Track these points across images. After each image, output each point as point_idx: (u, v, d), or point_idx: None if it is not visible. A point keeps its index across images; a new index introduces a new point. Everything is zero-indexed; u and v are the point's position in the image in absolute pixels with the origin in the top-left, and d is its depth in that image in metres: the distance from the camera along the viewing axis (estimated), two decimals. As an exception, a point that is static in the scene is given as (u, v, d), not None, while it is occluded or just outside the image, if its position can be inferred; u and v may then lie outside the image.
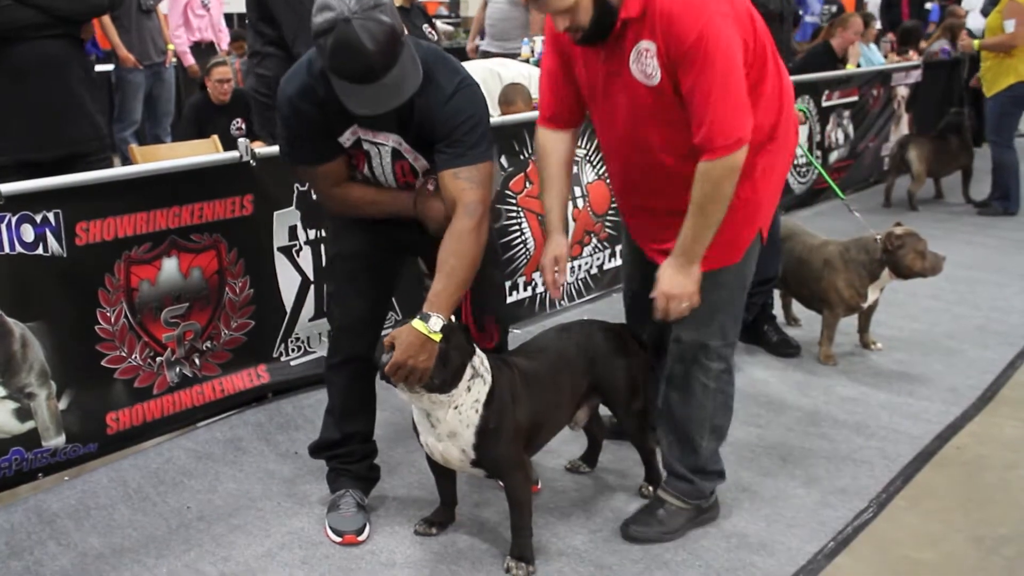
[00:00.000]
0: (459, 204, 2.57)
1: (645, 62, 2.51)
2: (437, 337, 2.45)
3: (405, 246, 2.93)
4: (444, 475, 2.92)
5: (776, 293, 4.59)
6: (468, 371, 2.60)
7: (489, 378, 2.65)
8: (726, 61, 2.39)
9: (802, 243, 4.40)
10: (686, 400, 2.87)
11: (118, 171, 3.26)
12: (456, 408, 2.60)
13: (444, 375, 2.52)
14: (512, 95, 5.56)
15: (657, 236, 2.79)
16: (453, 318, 2.56)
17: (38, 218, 2.99)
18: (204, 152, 4.91)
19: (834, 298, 4.25)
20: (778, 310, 4.69)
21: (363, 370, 2.95)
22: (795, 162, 6.84)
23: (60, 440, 3.16)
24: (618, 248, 5.18)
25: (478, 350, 2.67)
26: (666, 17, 2.41)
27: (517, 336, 4.44)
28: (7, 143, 3.51)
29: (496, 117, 4.89)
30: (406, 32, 2.50)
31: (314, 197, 3.27)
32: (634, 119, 2.64)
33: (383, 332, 2.78)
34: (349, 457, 3.03)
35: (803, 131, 6.85)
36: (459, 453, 2.66)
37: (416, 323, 2.46)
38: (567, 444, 3.40)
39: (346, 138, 2.67)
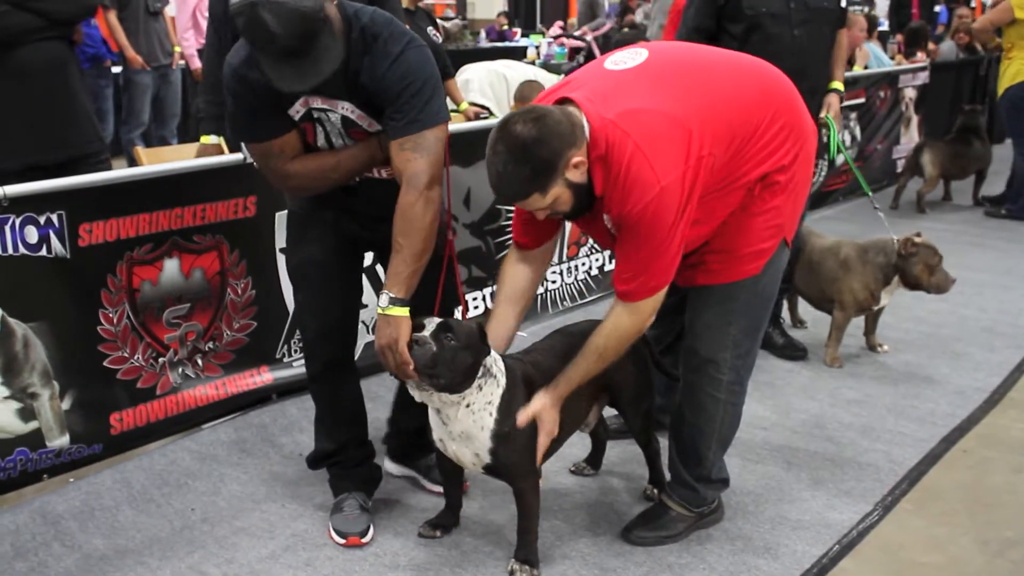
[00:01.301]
0: (404, 176, 2.55)
1: (607, 223, 2.57)
2: (394, 311, 2.49)
3: (366, 246, 2.94)
4: (452, 477, 2.90)
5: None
6: (479, 370, 2.58)
7: (503, 380, 2.62)
8: (661, 226, 2.42)
9: (812, 244, 4.39)
10: (695, 411, 2.86)
11: (121, 173, 3.25)
12: (468, 407, 2.58)
13: (451, 375, 2.50)
14: (528, 92, 5.52)
15: None
16: (462, 316, 2.56)
17: (41, 219, 2.99)
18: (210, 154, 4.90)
19: (848, 299, 4.24)
20: (784, 314, 4.68)
21: (345, 375, 2.97)
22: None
23: (64, 440, 3.16)
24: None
25: (492, 351, 2.65)
26: (618, 191, 2.43)
27: (520, 338, 4.44)
28: (13, 146, 3.51)
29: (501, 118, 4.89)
30: (327, 7, 2.45)
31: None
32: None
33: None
34: (348, 462, 3.02)
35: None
36: (472, 456, 2.64)
37: (377, 308, 2.52)
38: (570, 447, 3.37)
39: (296, 110, 2.63)
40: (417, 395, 2.59)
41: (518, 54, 9.47)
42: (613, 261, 2.93)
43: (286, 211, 2.97)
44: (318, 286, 2.88)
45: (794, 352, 4.43)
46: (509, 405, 2.61)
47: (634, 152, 2.37)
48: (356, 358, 3.07)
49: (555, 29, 14.00)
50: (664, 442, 3.08)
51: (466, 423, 2.59)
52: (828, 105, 4.40)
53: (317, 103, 2.63)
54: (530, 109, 2.46)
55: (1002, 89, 7.09)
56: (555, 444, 2.80)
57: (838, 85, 4.51)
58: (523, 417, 2.61)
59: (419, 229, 2.54)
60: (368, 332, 3.82)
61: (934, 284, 4.15)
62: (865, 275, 4.21)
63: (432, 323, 2.53)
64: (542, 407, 2.64)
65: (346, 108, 2.64)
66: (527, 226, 2.78)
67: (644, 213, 2.40)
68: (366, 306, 3.34)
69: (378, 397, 3.55)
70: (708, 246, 2.69)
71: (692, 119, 2.43)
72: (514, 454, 2.62)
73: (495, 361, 2.63)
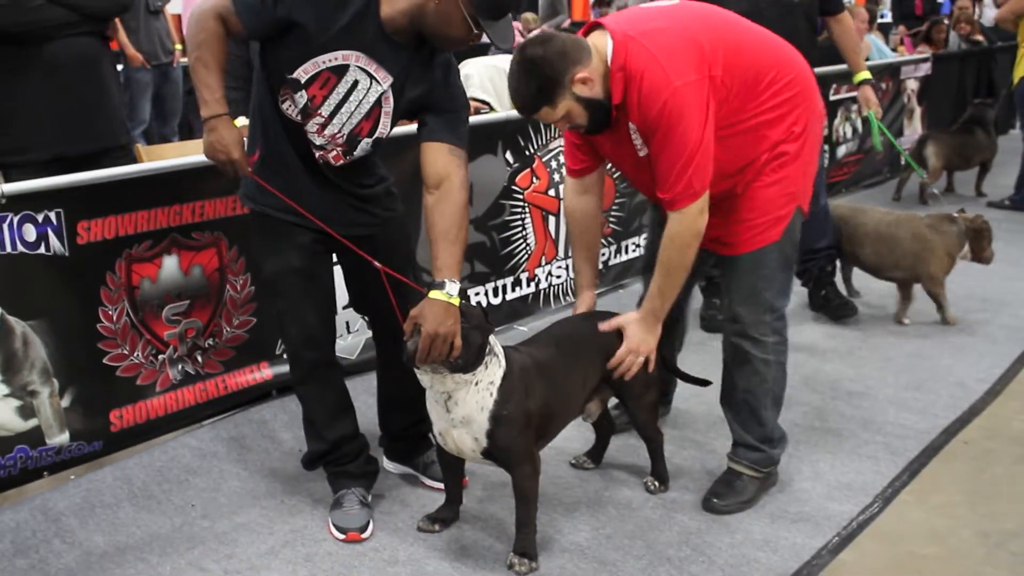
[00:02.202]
0: (455, 177, 2.65)
1: (635, 138, 2.79)
2: (456, 301, 2.53)
3: (329, 251, 2.90)
4: (452, 470, 2.91)
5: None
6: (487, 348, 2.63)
7: (503, 360, 2.66)
8: (687, 127, 2.63)
9: (876, 218, 4.78)
10: (747, 376, 3.03)
11: (119, 170, 3.24)
12: (477, 384, 2.61)
13: (467, 356, 2.54)
14: None
15: None
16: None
17: (39, 217, 3.00)
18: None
19: (937, 268, 4.65)
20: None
21: (330, 374, 2.99)
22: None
23: (64, 438, 3.16)
24: (624, 244, 5.16)
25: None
26: (636, 96, 2.67)
27: (522, 333, 4.45)
28: (41, 138, 3.53)
29: (501, 112, 4.89)
30: None
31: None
32: (649, 172, 2.84)
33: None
34: (344, 459, 3.02)
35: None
36: (472, 441, 2.65)
37: (435, 293, 2.53)
38: (572, 441, 3.39)
39: (332, 57, 2.57)
40: (428, 381, 2.61)
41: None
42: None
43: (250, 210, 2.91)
44: (299, 294, 2.86)
45: (847, 311, 4.80)
46: (508, 389, 2.63)
47: (649, 59, 2.64)
48: (355, 356, 3.08)
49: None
50: (667, 433, 3.08)
51: (471, 404, 2.60)
52: (865, 100, 4.49)
53: (364, 63, 2.59)
54: (540, 34, 2.83)
55: (1017, 79, 7.08)
56: (551, 432, 2.83)
57: (864, 75, 4.59)
58: (607, 325, 2.94)
59: (466, 228, 2.70)
60: (347, 332, 3.84)
61: (988, 256, 4.69)
62: (946, 244, 4.63)
63: None
64: (627, 320, 2.94)
65: (390, 86, 2.64)
66: (575, 151, 3.06)
67: (663, 113, 2.63)
68: (347, 307, 3.35)
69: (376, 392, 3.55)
70: (731, 216, 2.90)
71: (705, 41, 2.69)
72: (510, 438, 2.63)
73: (495, 342, 2.67)
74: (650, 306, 2.91)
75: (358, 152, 2.73)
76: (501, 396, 2.61)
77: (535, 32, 7.29)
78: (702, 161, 2.66)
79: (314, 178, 2.77)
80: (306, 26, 2.52)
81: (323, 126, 2.67)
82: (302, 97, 2.61)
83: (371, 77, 2.62)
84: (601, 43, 2.72)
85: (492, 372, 2.63)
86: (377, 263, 2.71)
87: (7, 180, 3.28)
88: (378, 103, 2.65)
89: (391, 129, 2.74)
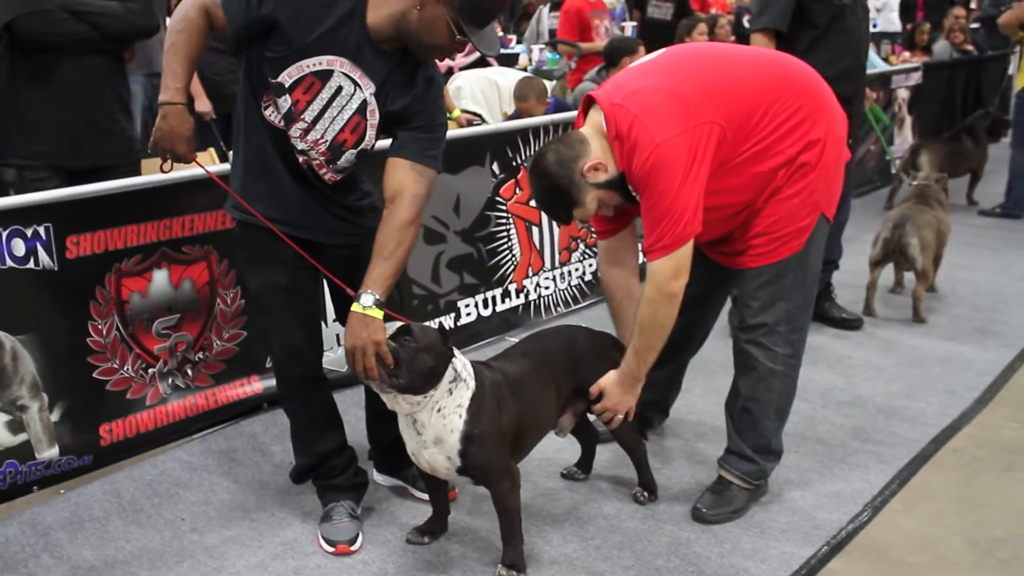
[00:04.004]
0: (407, 193, 2.62)
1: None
2: (374, 312, 2.51)
3: (316, 275, 2.86)
4: (435, 484, 2.91)
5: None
6: (450, 374, 2.60)
7: (473, 383, 2.65)
8: (666, 183, 2.65)
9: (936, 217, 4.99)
10: (752, 383, 3.02)
11: (108, 184, 3.25)
12: (439, 411, 2.60)
13: (410, 376, 2.52)
14: (526, 90, 5.53)
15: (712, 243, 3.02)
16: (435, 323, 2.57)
17: (28, 232, 3.01)
18: (203, 164, 4.91)
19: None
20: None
21: (316, 389, 2.98)
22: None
23: (54, 452, 3.16)
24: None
25: (460, 355, 2.68)
26: (629, 158, 2.71)
27: (510, 344, 4.44)
28: (43, 148, 3.62)
29: (492, 124, 4.91)
30: None
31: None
32: None
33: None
34: (332, 472, 3.02)
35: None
36: (445, 460, 2.65)
37: (353, 306, 2.53)
38: (562, 452, 3.39)
39: (317, 61, 2.56)
40: (387, 401, 2.62)
41: (511, 61, 9.51)
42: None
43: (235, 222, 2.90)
44: (283, 309, 2.84)
45: (853, 322, 4.78)
46: (478, 408, 2.63)
47: (633, 121, 2.68)
48: (344, 369, 3.07)
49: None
50: (650, 446, 3.08)
51: (438, 427, 2.60)
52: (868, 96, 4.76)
53: (348, 70, 2.59)
54: (536, 153, 2.98)
55: (1019, 87, 7.12)
56: (525, 447, 2.84)
57: None
58: (595, 388, 2.96)
59: (408, 246, 2.64)
60: (337, 344, 3.84)
61: None
62: None
63: (393, 326, 2.56)
64: (607, 380, 2.95)
65: (371, 91, 2.62)
66: (603, 219, 3.05)
67: (645, 168, 2.66)
68: (335, 320, 3.35)
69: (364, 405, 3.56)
70: (751, 231, 2.90)
71: (691, 91, 2.71)
72: (483, 456, 2.63)
73: (464, 366, 2.66)
74: (627, 368, 2.90)
75: (342, 162, 2.72)
76: (471, 416, 2.61)
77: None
78: (675, 215, 2.66)
79: (297, 185, 2.75)
80: (285, 26, 2.52)
81: (306, 131, 2.65)
82: (286, 101, 2.61)
83: (355, 84, 2.61)
84: (597, 120, 2.78)
85: (459, 396, 2.61)
86: (342, 284, 2.70)
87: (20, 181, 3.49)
88: (362, 112, 2.64)
89: (376, 142, 2.74)
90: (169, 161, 2.69)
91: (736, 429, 3.11)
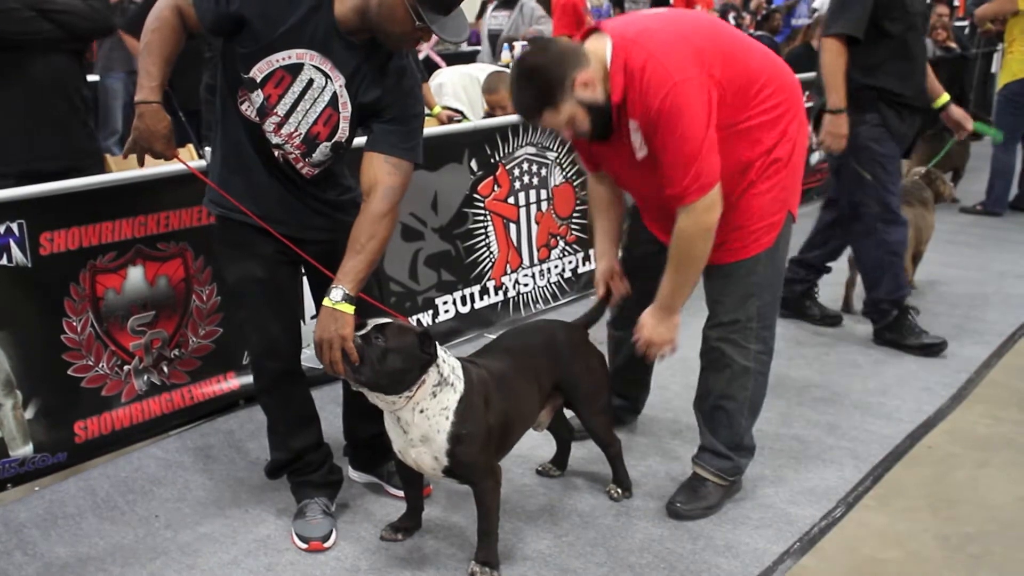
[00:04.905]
0: (380, 186, 2.62)
1: (634, 137, 2.78)
2: (343, 307, 2.52)
3: (295, 261, 2.85)
4: (411, 481, 2.91)
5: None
6: (434, 378, 2.59)
7: (461, 386, 2.63)
8: (690, 121, 2.63)
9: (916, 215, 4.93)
10: (727, 381, 3.05)
11: (82, 181, 3.24)
12: (422, 412, 2.59)
13: (374, 374, 2.51)
14: (495, 83, 5.52)
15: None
16: (414, 322, 2.57)
17: (2, 229, 3.00)
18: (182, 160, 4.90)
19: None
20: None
21: (294, 384, 2.97)
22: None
23: (28, 450, 3.16)
24: (591, 251, 5.18)
25: (448, 357, 2.66)
26: (636, 93, 2.67)
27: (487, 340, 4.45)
28: (14, 155, 3.58)
29: (473, 121, 4.90)
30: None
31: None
32: (640, 174, 2.91)
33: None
34: (306, 469, 3.02)
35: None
36: (432, 460, 2.64)
37: (324, 301, 2.54)
38: (537, 448, 3.40)
39: (285, 55, 2.55)
40: (368, 396, 2.62)
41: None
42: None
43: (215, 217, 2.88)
44: (261, 304, 2.84)
45: (833, 320, 4.82)
46: (466, 409, 2.62)
47: (647, 58, 2.66)
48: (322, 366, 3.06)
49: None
50: (625, 443, 3.09)
51: (423, 427, 2.60)
52: (959, 122, 4.74)
53: (318, 62, 2.57)
54: (538, 41, 2.94)
55: (1002, 83, 7.14)
56: (509, 444, 2.83)
57: (946, 97, 4.77)
58: (642, 345, 2.94)
59: (382, 239, 2.63)
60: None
61: None
62: None
63: (372, 323, 2.56)
64: (646, 318, 2.93)
65: (340, 82, 2.61)
66: (585, 158, 3.18)
67: (664, 107, 2.63)
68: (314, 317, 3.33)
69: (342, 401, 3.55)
70: (727, 225, 2.86)
71: (700, 43, 2.72)
72: (471, 455, 2.63)
73: (453, 369, 2.64)
74: (662, 302, 2.90)
75: (317, 155, 2.70)
76: (458, 417, 2.60)
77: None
78: (708, 154, 2.66)
79: (274, 180, 2.75)
80: (253, 22, 2.52)
81: (279, 125, 2.64)
82: (258, 96, 2.61)
83: (326, 76, 2.60)
84: (599, 47, 2.74)
85: (445, 399, 2.60)
86: (327, 271, 2.69)
87: None
88: (334, 104, 2.63)
89: (351, 135, 2.72)
90: (147, 155, 2.69)
91: (709, 427, 3.12)
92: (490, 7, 8.27)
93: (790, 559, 2.86)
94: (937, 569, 2.82)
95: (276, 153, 2.71)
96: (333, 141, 2.70)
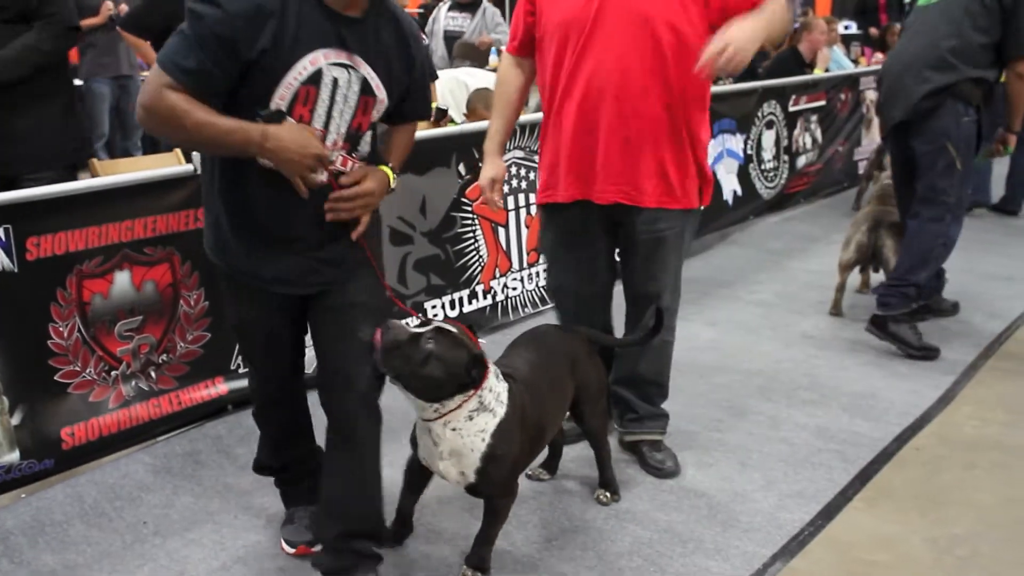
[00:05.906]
0: (409, 133, 2.81)
1: None
2: (391, 176, 2.61)
3: (302, 311, 2.68)
4: (416, 488, 2.89)
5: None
6: (473, 403, 2.52)
7: (502, 411, 2.57)
8: None
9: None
10: (660, 357, 3.39)
11: (69, 186, 3.23)
12: (454, 430, 2.53)
13: (409, 371, 2.41)
14: (473, 102, 5.56)
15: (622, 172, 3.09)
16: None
17: (-12, 233, 2.99)
18: (168, 165, 4.89)
19: None
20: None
21: (292, 403, 2.87)
22: (762, 167, 6.86)
23: (14, 456, 3.14)
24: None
25: (497, 383, 2.60)
26: None
27: (482, 344, 4.44)
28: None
29: (457, 126, 4.90)
30: None
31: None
32: (639, 60, 2.98)
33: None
34: (296, 478, 2.98)
35: (770, 136, 6.88)
36: (458, 475, 2.59)
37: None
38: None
39: (303, 68, 2.32)
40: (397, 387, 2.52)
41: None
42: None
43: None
44: (262, 346, 2.73)
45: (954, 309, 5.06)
46: (504, 432, 2.57)
47: None
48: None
49: None
50: (614, 445, 3.09)
51: (455, 443, 2.55)
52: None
53: (334, 58, 2.36)
54: None
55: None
56: (535, 454, 2.85)
57: None
58: (720, 42, 2.69)
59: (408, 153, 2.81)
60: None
61: None
62: None
63: (436, 324, 2.49)
64: (734, 31, 2.70)
65: (366, 69, 2.43)
66: (518, 28, 3.22)
67: None
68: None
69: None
70: (672, 156, 3.06)
71: None
72: (500, 475, 2.60)
73: (497, 396, 2.58)
74: (755, 21, 2.75)
75: (362, 146, 2.55)
76: (495, 439, 2.55)
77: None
78: None
79: (283, 237, 2.53)
80: (258, 57, 2.28)
81: (321, 139, 2.43)
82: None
83: (346, 68, 2.40)
84: None
85: (482, 422, 2.54)
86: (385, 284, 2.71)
87: None
88: (367, 91, 2.46)
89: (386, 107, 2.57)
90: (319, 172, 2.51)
91: (646, 398, 3.42)
92: (443, 6, 8.14)
93: (779, 562, 2.87)
94: (926, 571, 2.83)
95: (321, 178, 2.47)
96: (374, 123, 2.57)
